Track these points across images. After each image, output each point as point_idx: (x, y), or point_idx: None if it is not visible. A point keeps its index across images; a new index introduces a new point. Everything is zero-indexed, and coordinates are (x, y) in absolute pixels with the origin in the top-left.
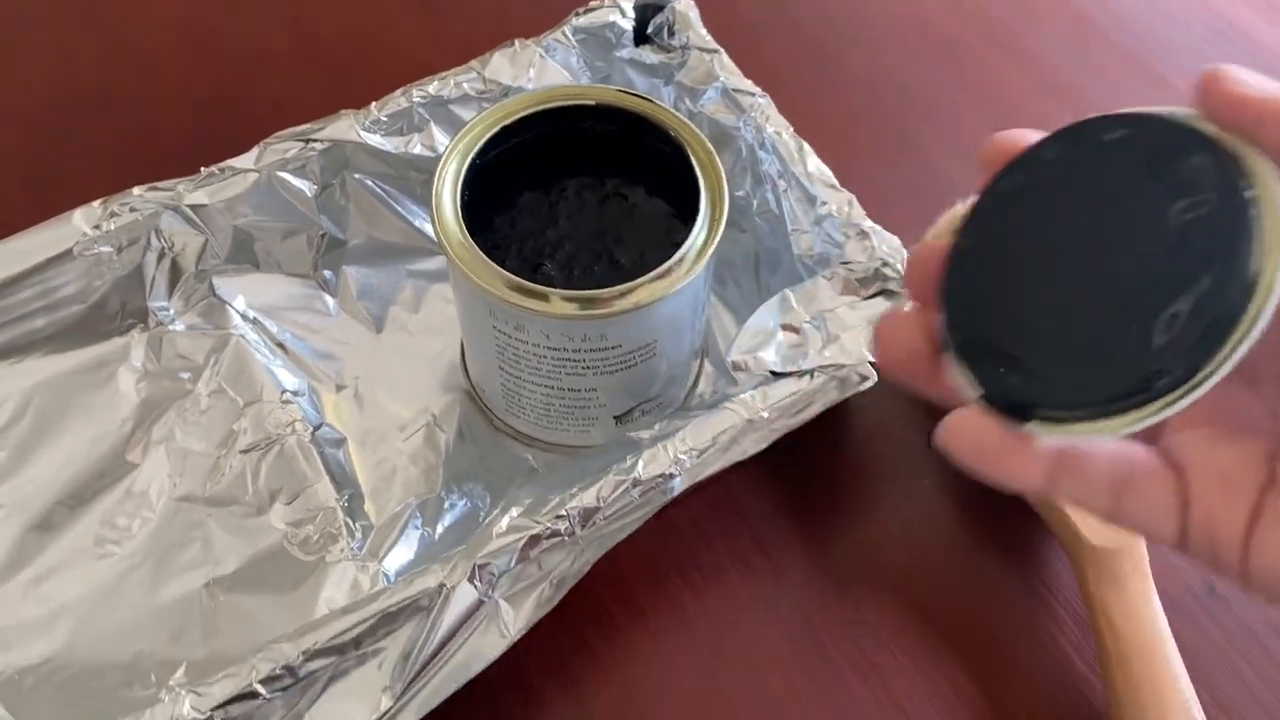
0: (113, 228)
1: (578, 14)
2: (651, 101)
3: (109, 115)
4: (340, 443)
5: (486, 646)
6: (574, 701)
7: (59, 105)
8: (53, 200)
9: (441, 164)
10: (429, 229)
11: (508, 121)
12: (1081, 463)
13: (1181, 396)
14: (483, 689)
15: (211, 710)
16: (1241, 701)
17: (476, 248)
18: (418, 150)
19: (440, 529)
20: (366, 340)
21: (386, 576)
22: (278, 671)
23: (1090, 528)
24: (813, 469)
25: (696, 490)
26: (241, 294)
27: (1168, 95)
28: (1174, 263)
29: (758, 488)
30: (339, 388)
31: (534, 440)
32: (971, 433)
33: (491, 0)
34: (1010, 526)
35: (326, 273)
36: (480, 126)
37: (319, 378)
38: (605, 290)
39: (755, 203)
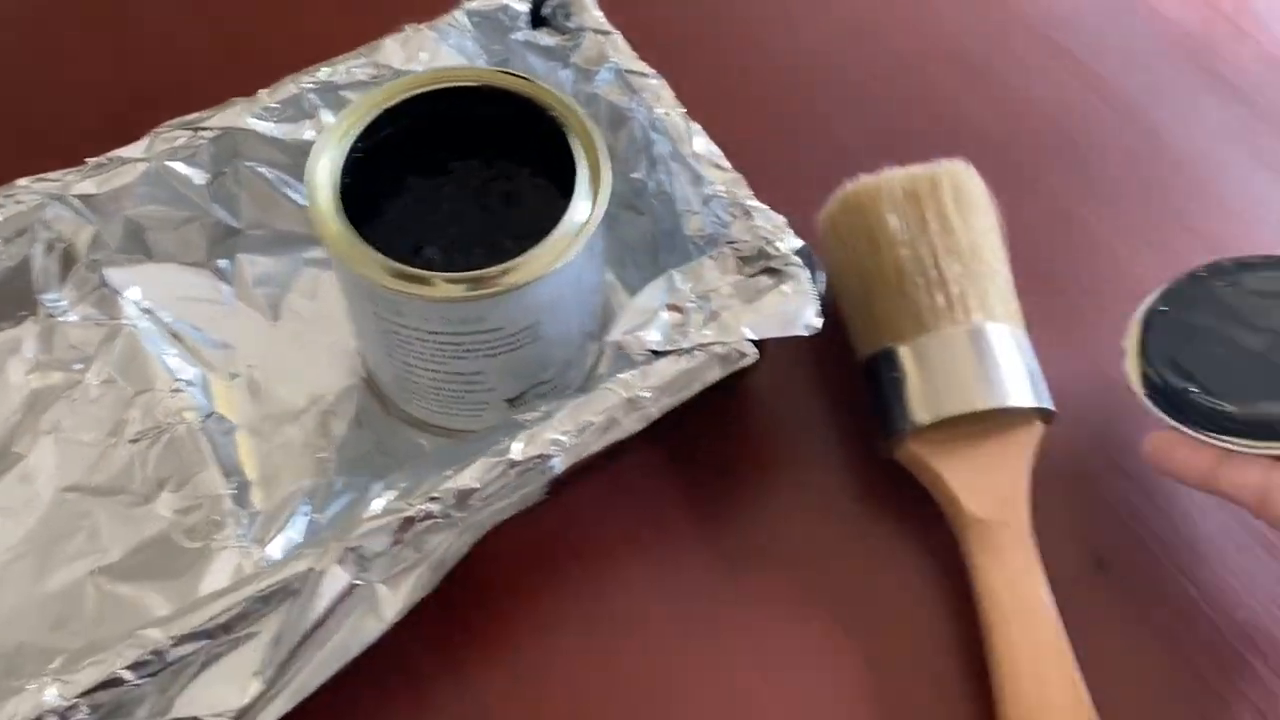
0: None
1: None
2: (531, 81)
3: (11, 108)
4: (231, 431)
5: (364, 630)
6: (461, 683)
7: None
8: None
9: (315, 149)
10: None
11: (389, 104)
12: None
13: None
14: (369, 673)
15: (76, 698)
16: (1126, 672)
17: (352, 233)
18: (309, 136)
19: (328, 515)
20: (262, 328)
21: (269, 563)
22: (146, 657)
23: (973, 502)
24: (706, 452)
25: (589, 473)
26: (135, 284)
27: (1069, 66)
28: None
29: (651, 470)
30: (232, 376)
31: (429, 426)
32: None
33: None
34: (899, 508)
35: (221, 261)
36: (359, 110)
37: (213, 366)
38: (481, 272)
39: (651, 185)
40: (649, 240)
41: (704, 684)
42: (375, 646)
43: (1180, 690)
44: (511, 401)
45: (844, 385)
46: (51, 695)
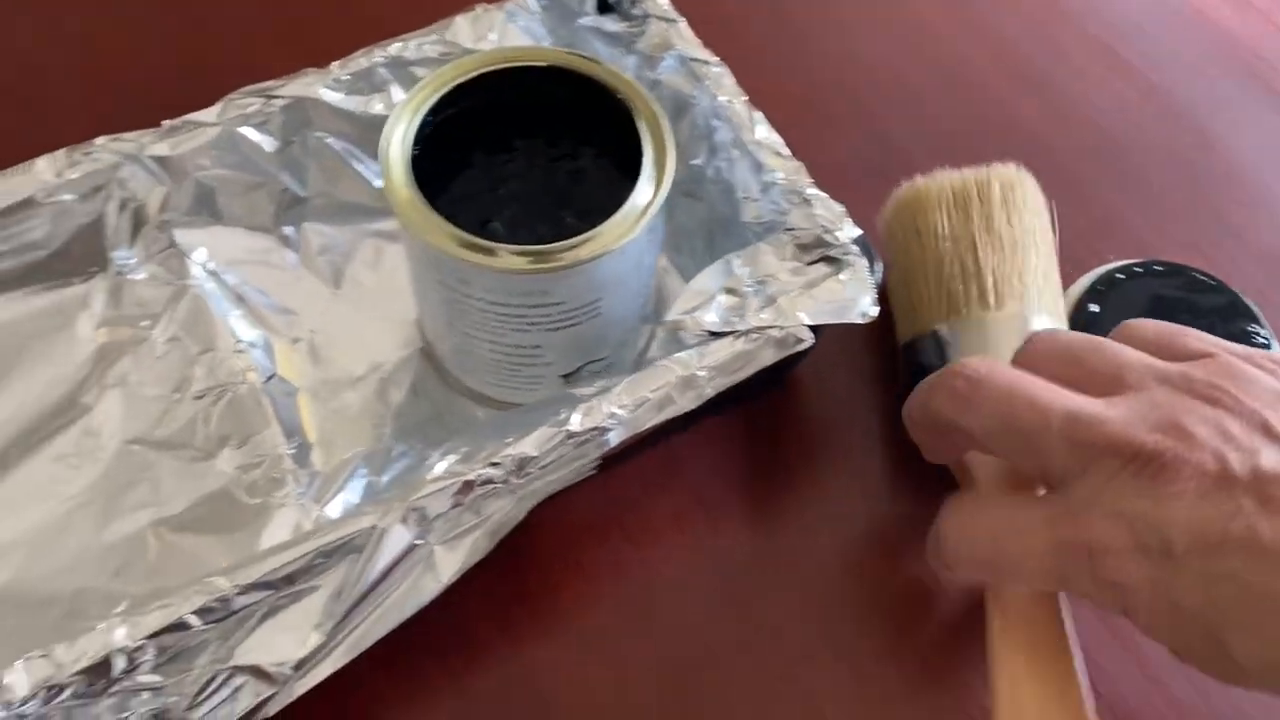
0: (76, 176)
1: None
2: (599, 64)
3: (72, 70)
4: (292, 393)
5: (421, 591)
6: (510, 645)
7: (23, 59)
8: (12, 152)
9: (391, 121)
10: None
11: (459, 80)
12: None
13: None
14: (422, 632)
15: (144, 639)
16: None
17: (423, 202)
18: (379, 110)
19: (386, 479)
20: (324, 296)
21: (329, 521)
22: (212, 604)
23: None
24: (758, 436)
25: (640, 450)
26: (203, 245)
27: (1127, 76)
28: None
29: (702, 450)
30: (294, 340)
31: (485, 398)
32: None
33: None
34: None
35: (287, 228)
36: (431, 85)
37: (275, 330)
38: (548, 246)
39: (710, 171)
40: (705, 226)
41: (748, 663)
42: (431, 609)
43: None
44: (567, 377)
45: (892, 375)
46: (120, 635)
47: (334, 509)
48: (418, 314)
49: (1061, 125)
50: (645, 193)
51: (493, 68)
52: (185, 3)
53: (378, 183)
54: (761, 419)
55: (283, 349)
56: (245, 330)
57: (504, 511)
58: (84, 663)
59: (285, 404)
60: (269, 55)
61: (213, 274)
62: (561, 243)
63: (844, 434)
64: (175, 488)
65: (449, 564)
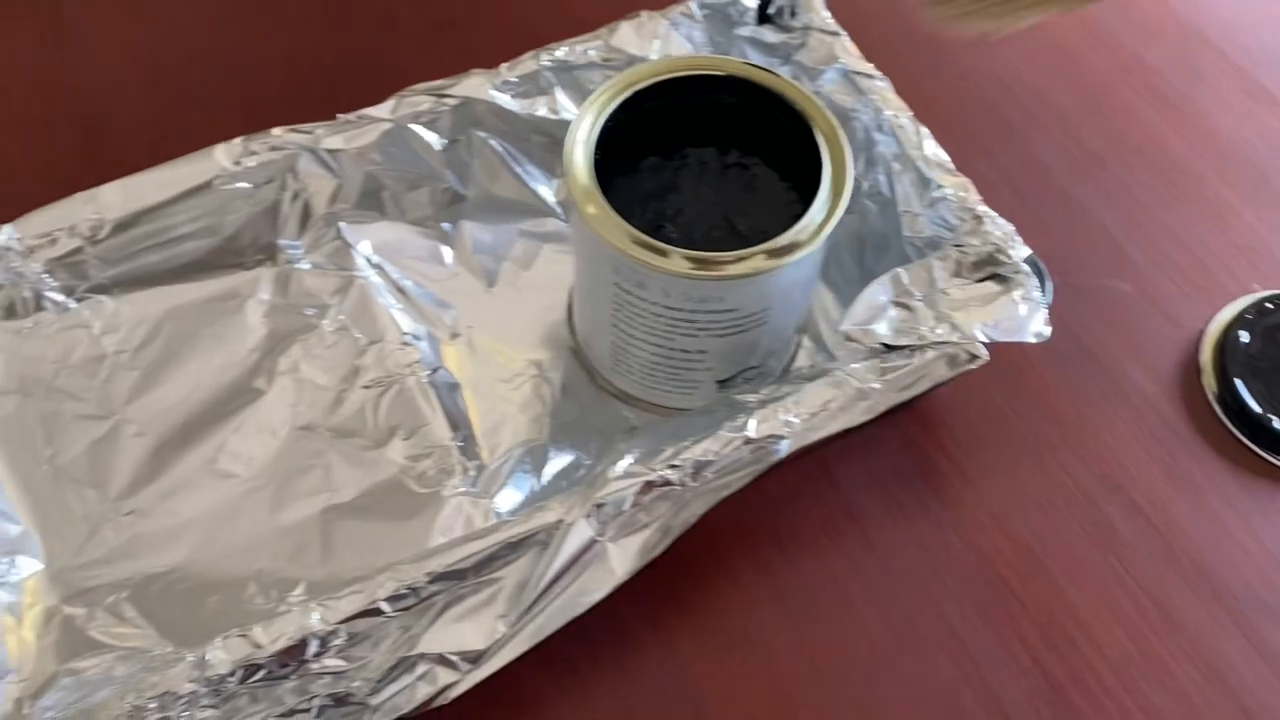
0: (252, 165)
1: None
2: (778, 75)
3: (236, 69)
4: (455, 387)
5: (593, 586)
6: (663, 645)
7: (188, 57)
8: (176, 149)
9: (576, 121)
10: (544, 191)
11: (640, 86)
12: None
13: None
14: (577, 628)
15: (337, 624)
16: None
17: (605, 203)
18: (542, 113)
19: (546, 476)
20: (479, 293)
21: (497, 514)
22: (402, 591)
23: None
24: (909, 447)
25: (791, 458)
26: (366, 239)
27: (1274, 109)
28: None
29: (851, 459)
30: (453, 335)
31: (635, 400)
32: None
33: None
34: (1099, 526)
35: (445, 225)
36: (614, 88)
37: (435, 324)
38: (729, 254)
39: (866, 185)
40: (855, 239)
41: (900, 671)
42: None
43: None
44: (722, 383)
45: (1042, 399)
46: (315, 619)
47: (501, 502)
48: (569, 314)
49: (1203, 150)
50: (824, 205)
51: (672, 75)
52: (338, 10)
53: (533, 185)
54: (909, 429)
55: (443, 343)
56: (408, 323)
57: (675, 513)
58: (281, 643)
59: (449, 397)
60: (423, 62)
61: (377, 267)
62: (741, 251)
63: (991, 444)
64: (346, 475)
65: (622, 562)
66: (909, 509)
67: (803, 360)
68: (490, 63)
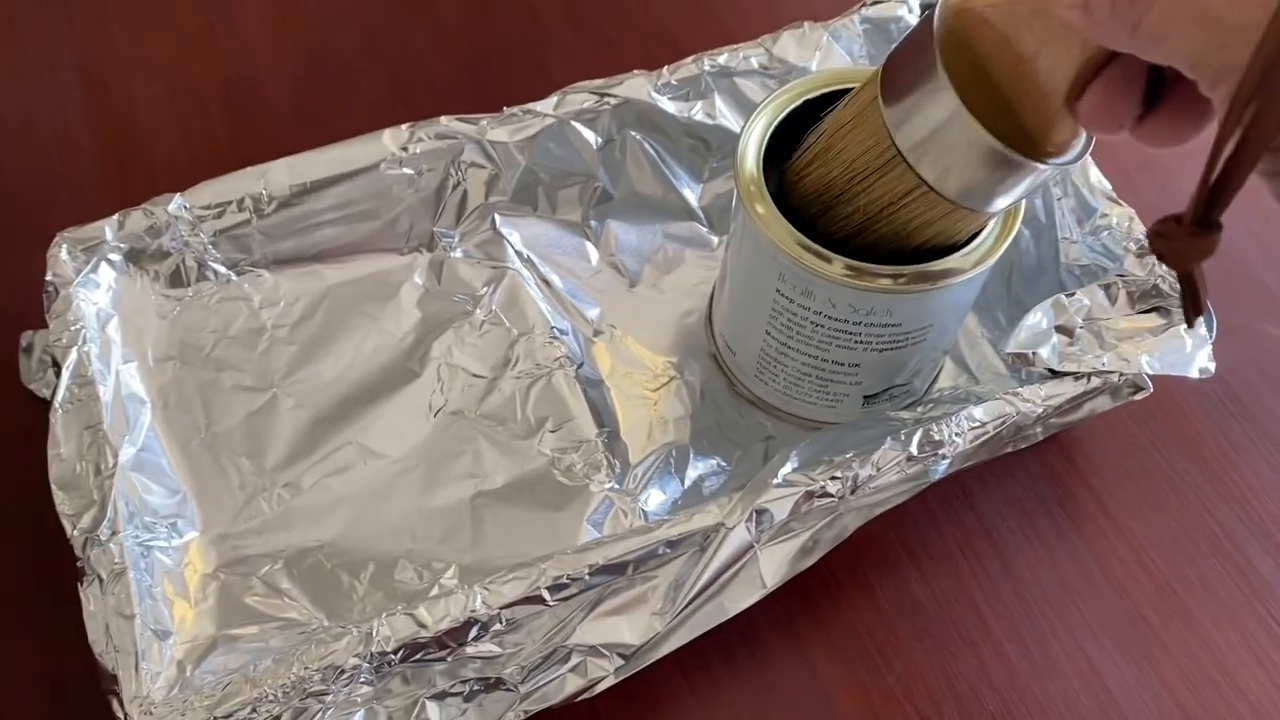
0: (418, 151)
1: (866, 4)
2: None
3: (384, 57)
4: (599, 383)
5: (745, 593)
6: (800, 656)
7: (339, 41)
8: (320, 128)
9: (749, 123)
10: (690, 195)
11: (812, 95)
12: None
13: None
14: (713, 634)
15: (500, 608)
16: None
17: (774, 205)
18: (698, 117)
19: (688, 478)
20: (621, 292)
21: (644, 513)
22: (564, 581)
23: None
24: (1048, 475)
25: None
26: (517, 232)
27: None
28: None
29: (991, 483)
30: (596, 332)
31: (775, 409)
32: None
33: None
34: (1242, 569)
35: (593, 223)
36: (789, 94)
37: (579, 320)
38: (909, 267)
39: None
40: (1004, 263)
41: (1041, 706)
42: None
43: None
44: (869, 398)
45: (1185, 437)
46: (479, 602)
47: (647, 501)
48: (709, 319)
49: None
50: (995, 225)
51: (845, 85)
52: (481, 3)
53: (681, 188)
54: (1048, 457)
55: (587, 340)
56: (555, 318)
57: (824, 526)
58: (446, 624)
59: (594, 393)
60: (564, 61)
61: (527, 261)
62: (920, 266)
63: (1133, 478)
64: (496, 462)
65: (773, 571)
66: (1047, 537)
67: (944, 381)
68: (630, 64)
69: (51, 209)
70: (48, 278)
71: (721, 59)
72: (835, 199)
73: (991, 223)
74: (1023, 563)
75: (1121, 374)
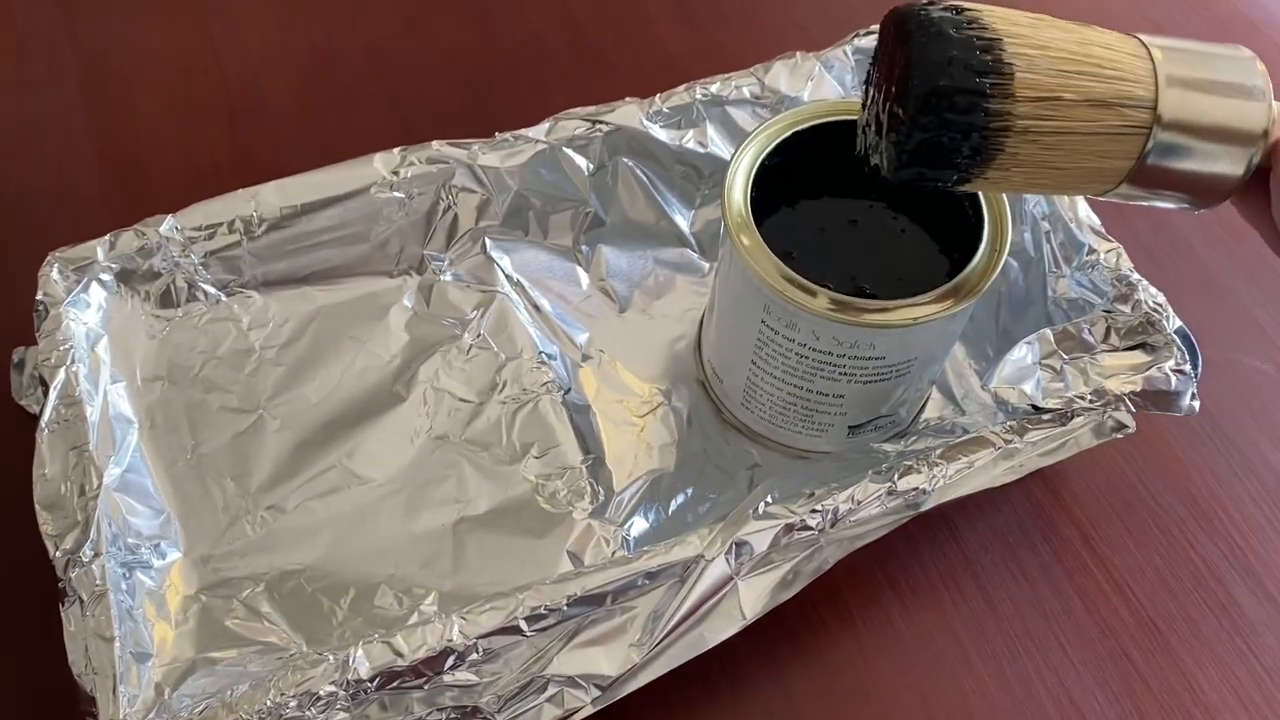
0: (409, 175)
1: (859, 35)
2: None
3: (385, 77)
4: (585, 409)
5: (723, 625)
6: (777, 686)
7: (340, 61)
8: (320, 149)
9: (738, 153)
10: (681, 221)
11: (801, 126)
12: None
13: None
14: (693, 663)
15: (477, 638)
16: None
17: (760, 237)
18: (690, 145)
19: (672, 506)
20: (610, 317)
21: (627, 542)
22: (542, 611)
23: None
24: (1033, 508)
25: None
26: (507, 256)
27: None
28: None
29: (975, 515)
30: (584, 357)
31: (761, 438)
32: None
33: (732, 7)
34: (1226, 608)
35: (584, 248)
36: (778, 126)
37: (567, 345)
38: (877, 301)
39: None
40: (992, 295)
41: None
42: None
43: None
44: (853, 429)
45: (1171, 472)
46: (456, 632)
47: (630, 529)
48: (698, 346)
49: None
50: (983, 259)
51: (835, 118)
52: (485, 28)
53: (673, 214)
54: (1033, 490)
55: (575, 365)
56: (544, 343)
57: (804, 558)
58: (423, 653)
59: (580, 419)
60: (564, 84)
61: (517, 285)
62: (904, 300)
63: (1117, 513)
64: (479, 487)
65: (751, 601)
66: (1030, 571)
67: (931, 411)
68: (628, 87)
69: (50, 224)
70: (38, 296)
71: (714, 88)
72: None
73: (975, 258)
74: (1005, 596)
75: (1106, 411)
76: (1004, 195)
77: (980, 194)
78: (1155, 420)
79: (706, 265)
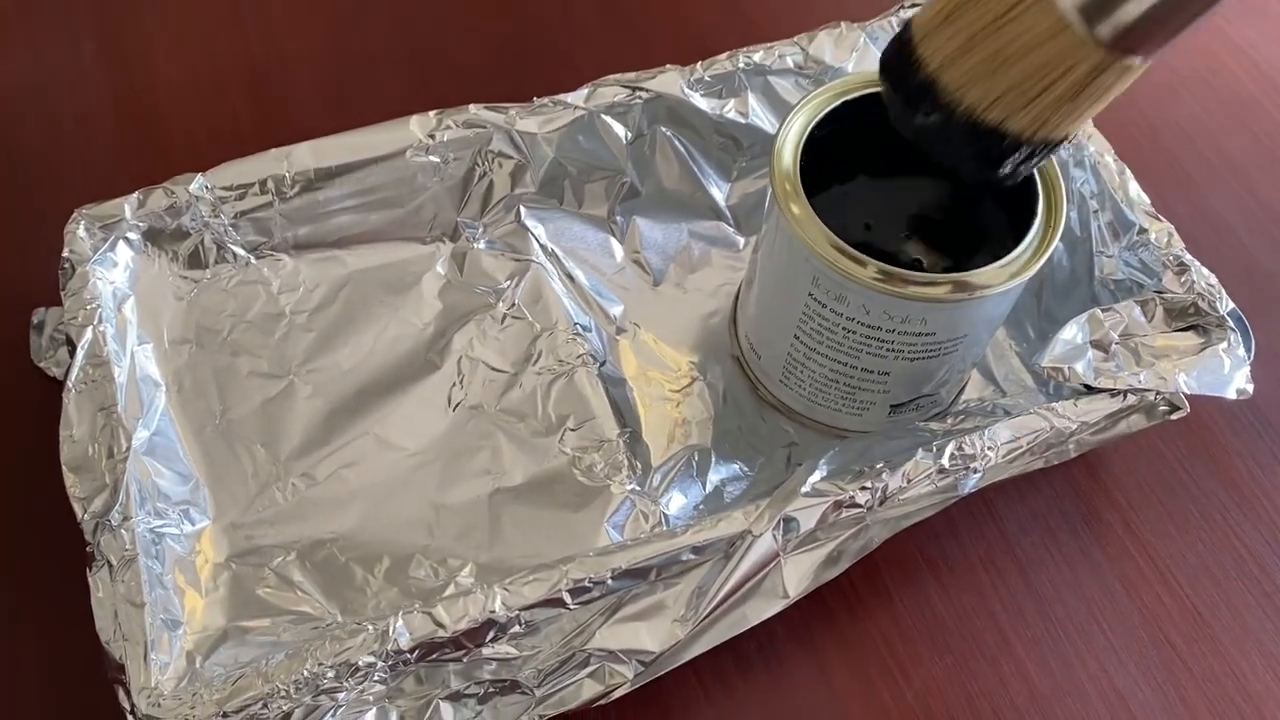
0: (445, 139)
1: (904, 6)
2: None
3: (409, 43)
4: (621, 382)
5: (767, 603)
6: (816, 666)
7: (365, 27)
8: (343, 113)
9: (786, 122)
10: (717, 194)
11: (851, 96)
12: None
13: None
14: (730, 641)
15: (519, 610)
16: None
17: (810, 206)
18: (731, 115)
19: (710, 483)
20: (645, 291)
21: (666, 516)
22: (587, 584)
23: None
24: (1074, 492)
25: None
26: (542, 225)
27: None
28: None
29: (1015, 497)
30: (619, 330)
31: (797, 415)
32: None
33: None
34: (1270, 596)
35: (618, 218)
36: (825, 95)
37: (602, 318)
38: (947, 275)
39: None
40: (1035, 277)
41: (1066, 712)
42: None
43: None
44: (895, 408)
45: (1214, 459)
46: (498, 604)
47: (668, 504)
48: (733, 321)
49: None
50: (1036, 236)
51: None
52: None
53: (709, 186)
54: (1074, 473)
55: (610, 337)
56: (578, 314)
57: (849, 537)
58: (464, 625)
59: (617, 392)
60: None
61: (551, 255)
62: (959, 274)
63: (1159, 499)
64: (515, 459)
65: (795, 579)
66: (1071, 555)
67: (971, 393)
68: (658, 59)
69: (65, 185)
70: (64, 254)
71: (756, 56)
72: None
73: (1031, 233)
74: (1046, 580)
75: (1158, 392)
76: (1059, 171)
77: (1036, 173)
78: (1198, 406)
79: (742, 240)
